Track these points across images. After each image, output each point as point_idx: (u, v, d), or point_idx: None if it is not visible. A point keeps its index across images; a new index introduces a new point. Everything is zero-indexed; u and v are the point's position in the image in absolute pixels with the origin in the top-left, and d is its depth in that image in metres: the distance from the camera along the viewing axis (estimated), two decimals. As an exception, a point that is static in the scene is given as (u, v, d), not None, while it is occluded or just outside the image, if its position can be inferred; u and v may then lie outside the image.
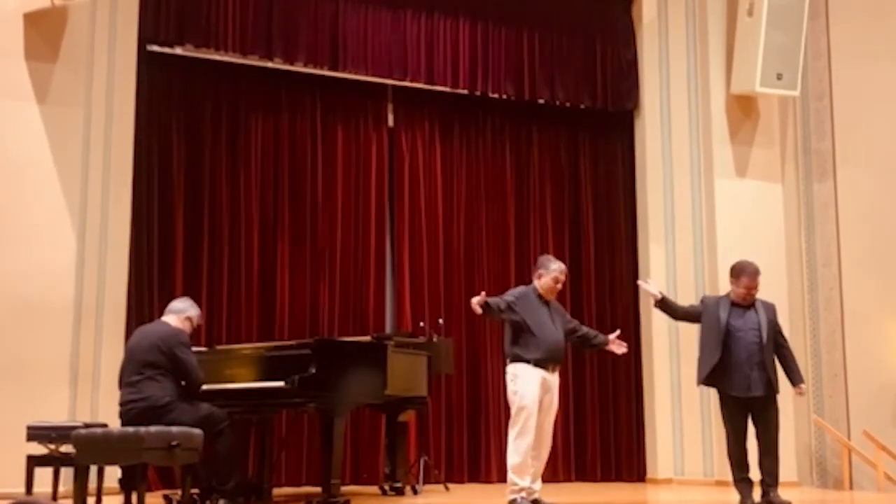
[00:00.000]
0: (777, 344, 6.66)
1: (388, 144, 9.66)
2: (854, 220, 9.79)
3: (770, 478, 6.56)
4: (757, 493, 6.57)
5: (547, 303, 6.59)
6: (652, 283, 7.30)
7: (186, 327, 6.34)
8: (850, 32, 10.01)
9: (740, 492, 6.60)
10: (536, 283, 6.60)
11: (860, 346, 9.59)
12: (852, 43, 9.98)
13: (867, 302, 9.60)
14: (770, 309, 6.75)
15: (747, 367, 6.50)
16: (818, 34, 10.05)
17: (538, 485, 6.42)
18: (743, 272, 6.68)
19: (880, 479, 9.06)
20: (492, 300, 6.38)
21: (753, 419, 6.63)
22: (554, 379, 6.47)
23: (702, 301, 6.97)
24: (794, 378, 6.67)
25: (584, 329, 6.88)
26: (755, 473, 6.60)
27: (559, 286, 6.63)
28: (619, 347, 6.75)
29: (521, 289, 6.68)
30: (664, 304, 6.91)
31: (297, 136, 9.28)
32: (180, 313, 6.36)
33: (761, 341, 6.55)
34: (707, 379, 6.69)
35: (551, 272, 6.57)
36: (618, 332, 6.89)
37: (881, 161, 9.76)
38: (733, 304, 6.67)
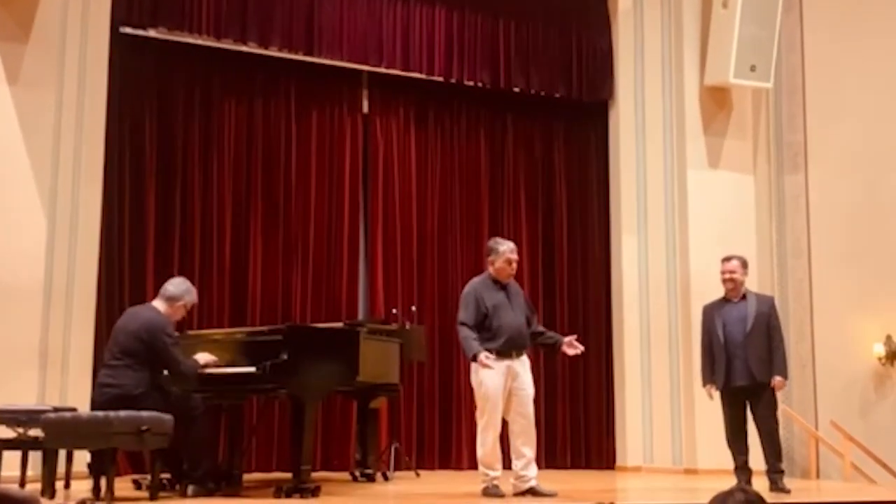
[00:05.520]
0: (768, 336, 6.83)
1: (362, 131, 9.64)
2: (825, 212, 9.87)
3: (771, 466, 6.80)
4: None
5: (503, 287, 6.44)
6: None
7: (178, 313, 6.27)
8: (824, 26, 10.06)
9: (738, 479, 6.73)
10: (490, 269, 6.48)
11: (829, 336, 9.68)
12: (826, 36, 10.03)
13: (836, 293, 9.68)
14: (764, 302, 7.04)
15: (733, 358, 6.76)
16: (792, 27, 10.09)
17: (532, 471, 6.29)
18: (722, 261, 7.00)
19: (847, 469, 9.15)
20: (475, 343, 6.19)
21: (751, 409, 6.86)
22: (519, 364, 6.32)
23: (703, 312, 7.13)
24: (773, 370, 6.80)
25: (540, 327, 6.75)
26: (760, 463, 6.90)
27: (513, 266, 6.48)
28: (572, 349, 6.48)
29: (470, 284, 6.51)
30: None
31: (271, 121, 9.24)
32: (173, 300, 6.19)
33: (745, 332, 6.77)
34: (708, 378, 6.92)
35: (502, 255, 6.43)
36: (574, 336, 6.64)
37: (852, 154, 9.83)
38: (724, 300, 6.97)
